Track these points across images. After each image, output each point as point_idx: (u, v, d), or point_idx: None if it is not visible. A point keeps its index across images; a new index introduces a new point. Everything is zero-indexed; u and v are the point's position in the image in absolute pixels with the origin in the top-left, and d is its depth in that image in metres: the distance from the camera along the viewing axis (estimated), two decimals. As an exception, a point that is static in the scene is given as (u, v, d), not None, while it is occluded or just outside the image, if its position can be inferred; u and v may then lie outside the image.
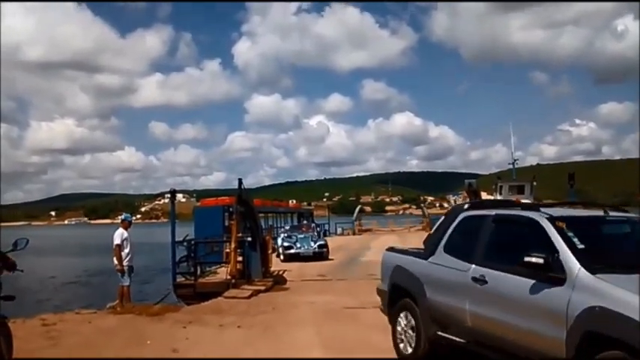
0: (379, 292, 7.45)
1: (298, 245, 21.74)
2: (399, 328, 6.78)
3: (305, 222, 32.85)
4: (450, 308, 5.83)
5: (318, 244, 22.13)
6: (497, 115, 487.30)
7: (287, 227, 27.22)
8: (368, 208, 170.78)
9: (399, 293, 6.78)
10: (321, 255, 21.60)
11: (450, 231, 6.30)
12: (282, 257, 21.54)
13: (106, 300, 14.44)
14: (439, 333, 5.99)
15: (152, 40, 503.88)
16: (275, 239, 24.31)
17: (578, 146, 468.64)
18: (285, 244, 22.00)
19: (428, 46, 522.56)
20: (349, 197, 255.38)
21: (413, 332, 6.46)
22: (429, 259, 6.36)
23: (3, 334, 5.65)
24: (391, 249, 7.75)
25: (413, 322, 6.45)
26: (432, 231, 7.01)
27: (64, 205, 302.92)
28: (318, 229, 27.72)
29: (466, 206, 6.56)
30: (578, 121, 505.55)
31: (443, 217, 6.83)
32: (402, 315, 6.70)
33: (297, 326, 9.38)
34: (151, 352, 7.81)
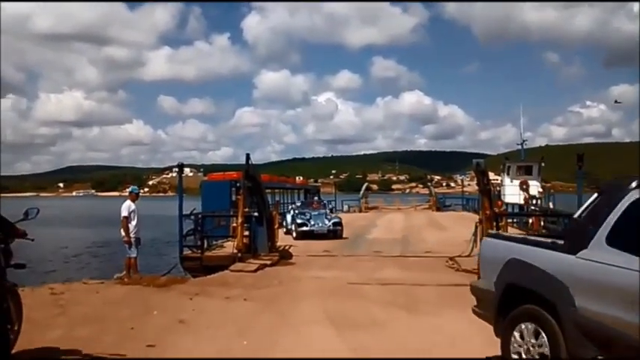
0: (476, 290, 6.03)
1: (312, 222, 20.61)
2: (515, 345, 5.12)
3: (316, 198, 32.01)
4: (618, 323, 4.20)
5: (332, 221, 21.03)
6: (507, 96, 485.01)
7: (297, 204, 25.95)
8: (374, 186, 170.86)
9: (519, 297, 5.13)
10: (335, 233, 20.53)
11: (613, 216, 4.58)
12: (294, 234, 20.48)
13: (113, 271, 14.61)
14: (600, 358, 4.37)
15: (161, 13, 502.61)
16: (283, 215, 23.87)
17: (588, 128, 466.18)
18: (299, 220, 20.75)
19: (439, 23, 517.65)
20: (356, 175, 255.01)
21: (540, 350, 4.83)
22: (579, 254, 4.63)
23: (13, 301, 5.74)
24: (496, 235, 6.33)
25: (545, 339, 4.77)
26: (578, 215, 5.20)
27: (71, 177, 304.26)
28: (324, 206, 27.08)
29: (635, 184, 4.60)
30: (588, 103, 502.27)
31: (594, 198, 4.99)
32: (523, 327, 5.04)
33: (302, 300, 9.47)
34: (158, 322, 7.92)
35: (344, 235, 20.66)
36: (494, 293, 5.48)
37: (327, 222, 20.78)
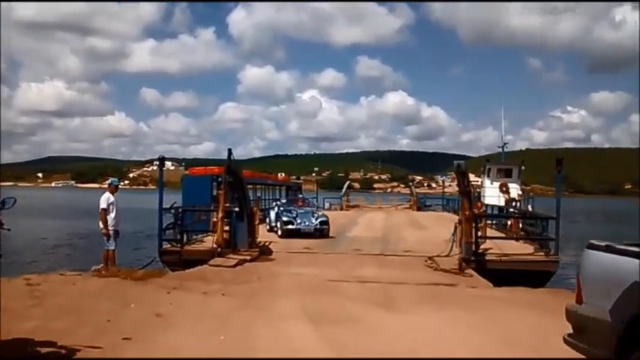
0: (577, 317, 4.93)
1: (299, 221, 19.65)
2: None
3: (301, 196, 31.31)
4: None
5: (319, 220, 20.08)
6: (490, 99, 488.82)
7: (283, 200, 24.98)
8: (356, 185, 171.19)
9: None
10: (322, 232, 19.68)
11: None
12: (279, 232, 19.65)
13: (91, 263, 14.49)
14: None
15: (147, 5, 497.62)
16: (266, 211, 23.58)
17: (568, 133, 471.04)
18: (284, 218, 19.80)
19: (425, 25, 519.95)
20: (338, 173, 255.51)
21: None
22: None
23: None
24: (609, 248, 4.75)
25: None
26: None
27: (51, 167, 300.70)
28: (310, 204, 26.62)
29: None
30: (569, 108, 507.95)
31: None
32: None
33: (281, 296, 9.47)
34: (135, 315, 7.88)
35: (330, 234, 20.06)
36: (611, 325, 4.35)
37: (314, 220, 19.97)
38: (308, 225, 19.67)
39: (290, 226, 19.48)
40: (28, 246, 27.63)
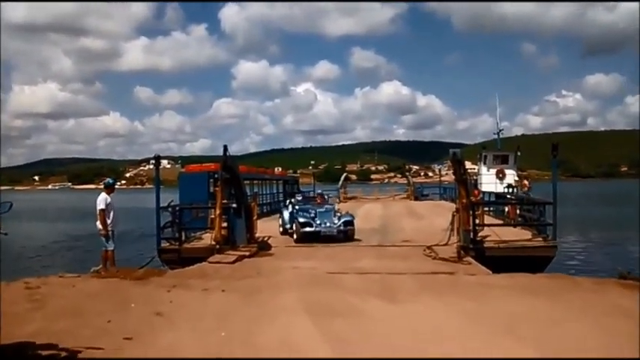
0: None
1: (318, 222, 16.65)
2: None
3: (319, 192, 27.75)
4: None
5: (343, 220, 16.95)
6: (485, 86, 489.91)
7: (298, 197, 21.78)
8: (353, 177, 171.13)
9: None
10: (345, 234, 16.69)
11: None
12: (295, 236, 16.86)
13: (89, 264, 14.49)
14: None
15: (138, 4, 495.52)
16: (279, 212, 20.65)
17: (564, 117, 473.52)
18: (301, 219, 16.71)
19: (418, 14, 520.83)
20: (335, 165, 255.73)
21: None
22: None
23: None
24: None
25: None
26: None
27: (47, 170, 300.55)
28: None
29: None
30: (564, 92, 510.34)
31: None
32: None
33: (281, 290, 9.48)
34: (135, 315, 7.88)
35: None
36: None
37: (336, 221, 16.94)
38: (329, 227, 16.67)
39: (308, 229, 16.51)
40: (26, 249, 27.63)
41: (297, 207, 18.11)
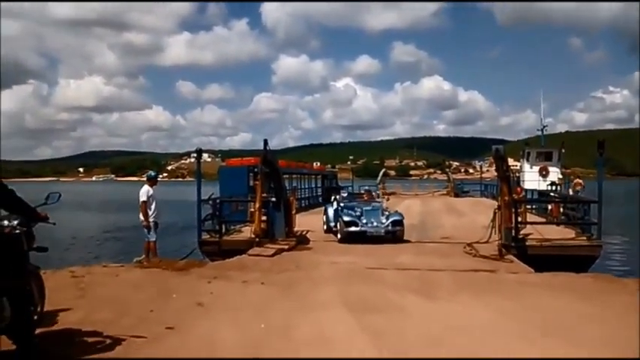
0: None
1: (364, 221, 15.62)
2: None
3: (367, 188, 26.30)
4: None
5: (391, 219, 15.76)
6: (528, 81, 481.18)
7: (343, 194, 20.44)
8: (392, 172, 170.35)
9: None
10: (394, 235, 15.55)
11: None
12: (339, 235, 15.86)
13: (132, 255, 14.79)
14: None
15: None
16: (324, 208, 19.10)
17: (610, 114, 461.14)
18: (346, 218, 15.66)
19: (461, 8, 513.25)
20: (373, 161, 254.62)
21: None
22: None
23: (36, 284, 5.85)
24: None
25: None
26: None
27: (91, 161, 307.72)
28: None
29: None
30: (611, 88, 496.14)
31: None
32: None
33: (320, 284, 9.50)
34: (177, 305, 8.01)
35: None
36: None
37: (384, 220, 15.80)
38: (376, 226, 15.59)
39: (353, 228, 15.50)
40: (71, 238, 28.39)
41: (342, 204, 17.09)
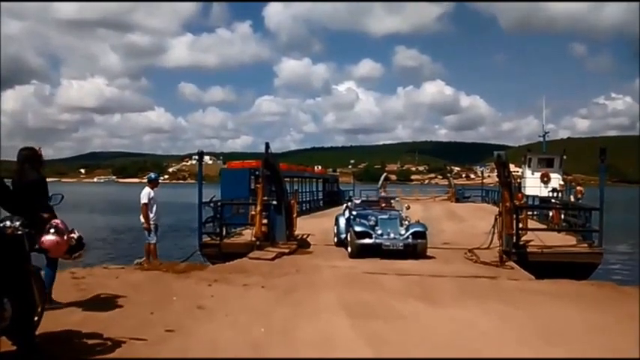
0: None
1: (379, 232, 13.61)
2: None
3: (383, 194, 23.24)
4: None
5: (412, 230, 13.63)
6: (531, 87, 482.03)
7: (356, 201, 17.41)
8: (393, 177, 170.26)
9: None
10: (414, 249, 13.43)
11: None
12: (349, 249, 13.68)
13: (133, 257, 14.79)
14: None
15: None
16: (336, 218, 16.25)
17: (612, 121, 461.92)
18: (358, 228, 13.56)
19: (465, 13, 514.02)
20: (375, 165, 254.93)
21: None
22: None
23: (37, 285, 5.84)
24: None
25: None
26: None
27: (93, 163, 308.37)
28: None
29: None
30: (614, 95, 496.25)
31: None
32: None
33: (320, 288, 9.51)
34: (177, 307, 8.01)
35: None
36: None
37: (402, 231, 13.71)
38: (394, 239, 13.48)
39: (366, 240, 13.42)
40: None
41: (354, 213, 15.01)
